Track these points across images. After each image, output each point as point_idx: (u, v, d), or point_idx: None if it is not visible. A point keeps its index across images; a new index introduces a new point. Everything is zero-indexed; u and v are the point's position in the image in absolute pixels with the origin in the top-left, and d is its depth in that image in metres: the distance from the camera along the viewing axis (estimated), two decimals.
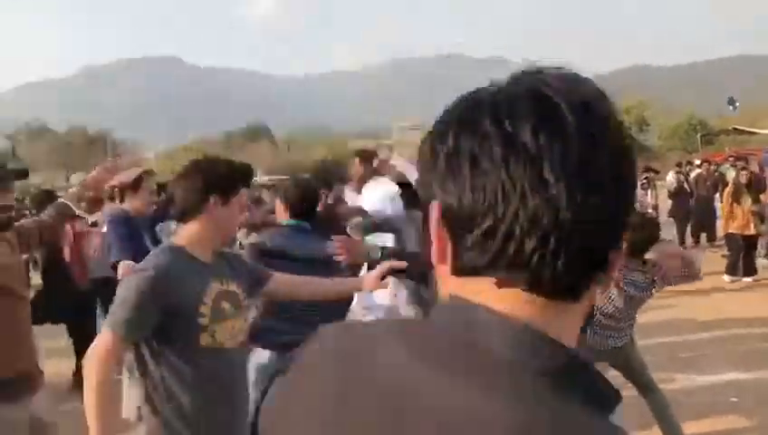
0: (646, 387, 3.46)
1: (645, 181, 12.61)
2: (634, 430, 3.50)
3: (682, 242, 11.62)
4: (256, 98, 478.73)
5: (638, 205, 11.23)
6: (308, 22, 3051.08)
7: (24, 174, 2.46)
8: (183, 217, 1.99)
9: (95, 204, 5.79)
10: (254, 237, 3.51)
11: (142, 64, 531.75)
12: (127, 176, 3.66)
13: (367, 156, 4.86)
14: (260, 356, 2.74)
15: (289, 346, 2.81)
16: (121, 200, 3.78)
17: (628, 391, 3.51)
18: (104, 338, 1.80)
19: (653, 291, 3.38)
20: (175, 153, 50.32)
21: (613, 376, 3.39)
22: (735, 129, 28.74)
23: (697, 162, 16.47)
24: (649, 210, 12.48)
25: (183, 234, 1.99)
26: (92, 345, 1.83)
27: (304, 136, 65.72)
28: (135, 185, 3.53)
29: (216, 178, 1.96)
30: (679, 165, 16.37)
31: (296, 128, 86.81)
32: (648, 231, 3.37)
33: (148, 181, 3.58)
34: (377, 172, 4.83)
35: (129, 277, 1.90)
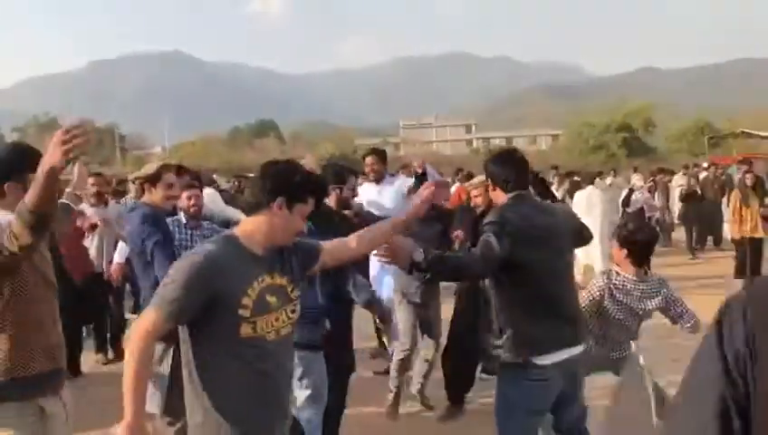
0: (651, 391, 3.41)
1: (652, 183, 12.61)
2: None
3: (691, 246, 11.56)
4: (263, 94, 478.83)
5: (645, 207, 11.27)
6: (315, 19, 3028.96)
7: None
8: (247, 211, 2.04)
9: (99, 197, 5.91)
10: None
11: (150, 59, 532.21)
12: (146, 169, 3.69)
13: (381, 154, 4.98)
14: None
15: (296, 344, 2.83)
16: (141, 194, 3.83)
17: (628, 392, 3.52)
18: (148, 316, 1.84)
19: (654, 303, 3.25)
20: (182, 147, 50.37)
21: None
22: (744, 132, 28.67)
23: (704, 165, 16.45)
24: (657, 214, 12.49)
25: (243, 226, 2.04)
26: (136, 322, 1.87)
27: (311, 132, 65.77)
28: (154, 179, 3.51)
29: (287, 184, 2.01)
30: (686, 167, 16.38)
31: (302, 124, 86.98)
32: (647, 236, 3.28)
33: (167, 175, 3.55)
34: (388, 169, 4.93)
35: (181, 260, 1.94)
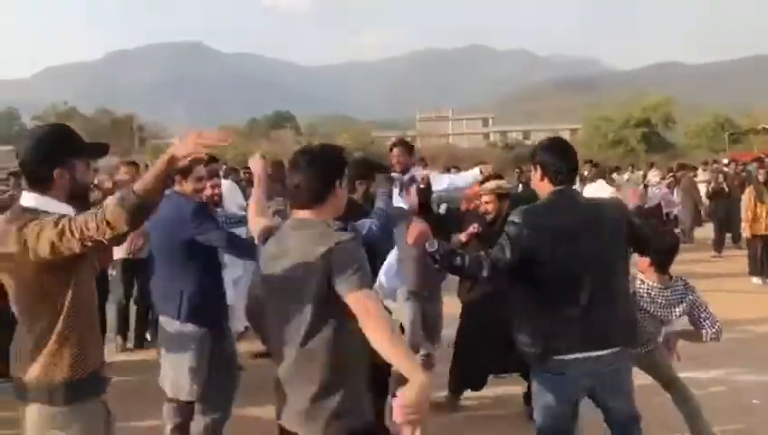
0: (674, 387, 3.41)
1: (672, 179, 12.54)
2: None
3: (717, 243, 11.35)
4: (280, 86, 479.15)
5: (662, 202, 11.19)
6: (332, 12, 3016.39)
7: (105, 150, 2.22)
8: (314, 201, 2.08)
9: (115, 189, 6.07)
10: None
11: (169, 50, 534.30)
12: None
13: (407, 145, 5.01)
14: None
15: None
16: (170, 184, 3.90)
17: (660, 398, 3.56)
18: (373, 296, 1.96)
19: (679, 311, 3.27)
20: None
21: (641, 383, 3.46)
22: (765, 128, 28.32)
23: (725, 161, 16.31)
24: (675, 210, 12.40)
25: (315, 215, 2.09)
26: (368, 307, 1.91)
27: (327, 124, 65.76)
28: (186, 171, 3.51)
29: (337, 165, 2.13)
30: (705, 163, 16.26)
31: (320, 116, 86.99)
32: (669, 244, 3.29)
33: (198, 168, 3.57)
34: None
35: (351, 242, 2.00)
